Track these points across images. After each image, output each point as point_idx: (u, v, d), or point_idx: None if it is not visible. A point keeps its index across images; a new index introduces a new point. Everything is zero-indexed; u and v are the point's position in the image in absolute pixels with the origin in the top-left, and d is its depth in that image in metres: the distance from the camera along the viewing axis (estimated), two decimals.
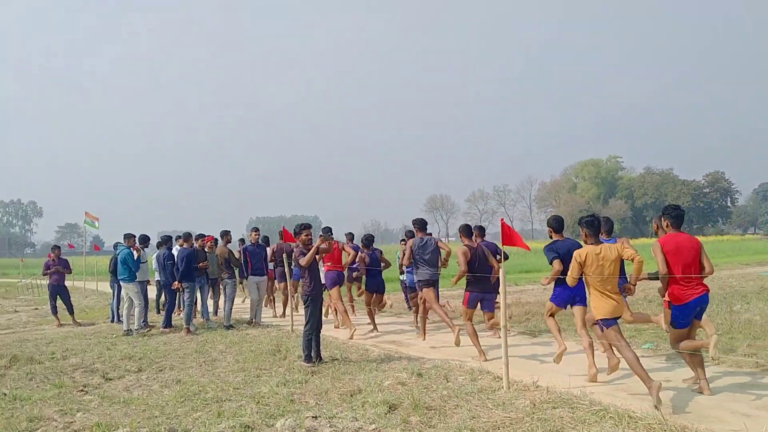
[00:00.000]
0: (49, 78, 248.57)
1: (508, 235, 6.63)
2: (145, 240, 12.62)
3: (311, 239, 8.41)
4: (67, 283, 14.52)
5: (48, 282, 14.15)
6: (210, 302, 13.06)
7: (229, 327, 11.82)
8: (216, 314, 13.40)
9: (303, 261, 8.15)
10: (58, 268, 13.96)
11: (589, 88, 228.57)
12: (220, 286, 13.03)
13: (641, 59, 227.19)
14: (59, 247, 14.72)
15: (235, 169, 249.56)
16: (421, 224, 9.61)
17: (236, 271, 12.96)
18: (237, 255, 13.30)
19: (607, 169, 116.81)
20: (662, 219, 6.41)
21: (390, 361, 8.12)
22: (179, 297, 12.85)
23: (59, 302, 13.89)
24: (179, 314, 13.03)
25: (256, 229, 13.30)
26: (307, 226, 8.55)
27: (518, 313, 12.32)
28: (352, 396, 6.26)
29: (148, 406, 6.22)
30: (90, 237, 33.06)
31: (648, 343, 8.74)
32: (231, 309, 12.29)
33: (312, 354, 8.11)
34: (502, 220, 6.91)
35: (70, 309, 13.85)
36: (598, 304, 6.19)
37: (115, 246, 12.53)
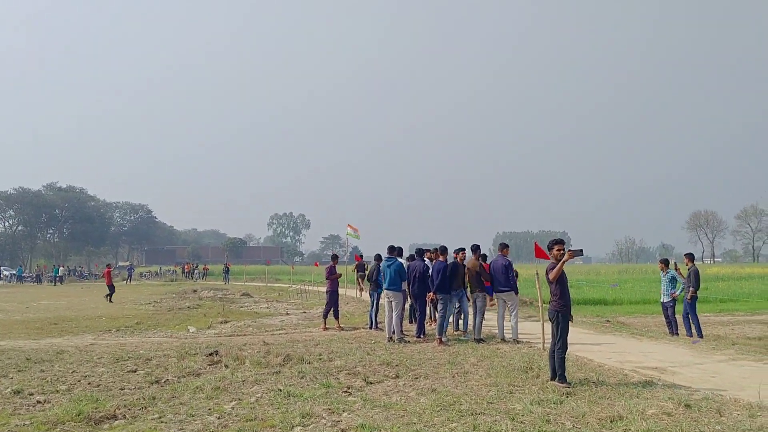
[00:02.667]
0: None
1: None
2: (399, 252, 13.25)
3: (563, 254, 8.20)
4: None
5: (328, 288, 15.32)
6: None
7: (479, 340, 11.92)
8: (458, 328, 13.57)
9: (552, 275, 7.99)
10: (339, 275, 15.24)
11: None
12: (470, 300, 13.17)
13: None
14: (338, 257, 16.10)
15: (483, 183, 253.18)
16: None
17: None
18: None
19: None
20: None
21: (652, 389, 7.57)
22: (431, 308, 13.24)
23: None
24: (431, 325, 13.43)
25: (503, 245, 13.21)
26: (559, 242, 8.35)
27: None
28: (611, 422, 5.93)
29: (407, 412, 6.46)
30: (350, 247, 35.37)
31: None
32: (481, 323, 12.36)
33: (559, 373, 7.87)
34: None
35: (336, 314, 14.98)
36: None
37: (377, 257, 13.32)
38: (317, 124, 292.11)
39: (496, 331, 12.47)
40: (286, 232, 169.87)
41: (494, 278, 12.21)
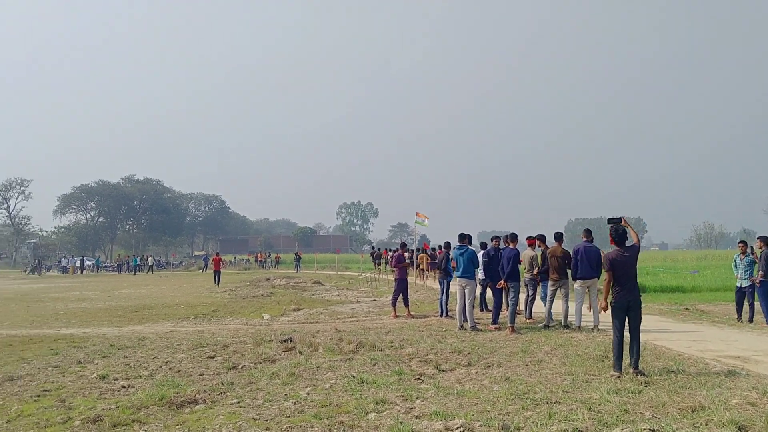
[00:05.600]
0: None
1: None
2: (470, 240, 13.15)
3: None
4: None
5: (396, 276, 15.39)
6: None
7: (547, 327, 11.80)
8: (530, 316, 13.40)
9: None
10: (407, 263, 15.28)
11: None
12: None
13: None
14: (406, 245, 16.14)
15: (555, 170, 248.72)
16: None
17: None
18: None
19: None
20: None
21: (735, 378, 7.30)
22: (504, 296, 13.10)
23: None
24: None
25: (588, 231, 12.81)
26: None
27: None
28: (693, 412, 5.74)
29: (480, 400, 6.44)
30: (419, 235, 35.35)
31: None
32: (567, 309, 12.12)
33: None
34: None
35: (406, 302, 15.01)
36: None
37: (445, 245, 13.26)
38: (383, 113, 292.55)
39: (565, 319, 12.24)
40: (355, 221, 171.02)
41: (580, 265, 11.75)
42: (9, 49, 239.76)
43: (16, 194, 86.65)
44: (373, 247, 56.27)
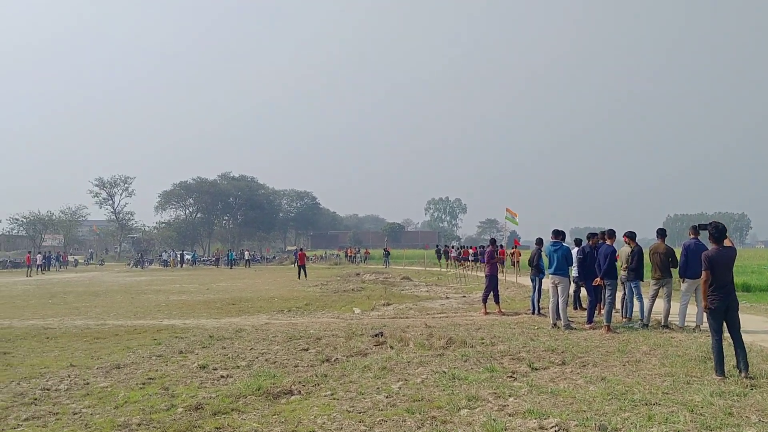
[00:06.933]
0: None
1: None
2: (563, 237, 12.87)
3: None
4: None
5: (486, 272, 15.21)
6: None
7: (645, 326, 11.39)
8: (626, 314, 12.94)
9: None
10: (499, 258, 15.15)
11: None
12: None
13: None
14: (496, 240, 16.01)
15: (652, 164, 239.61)
16: None
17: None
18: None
19: None
20: None
21: None
22: (601, 294, 12.72)
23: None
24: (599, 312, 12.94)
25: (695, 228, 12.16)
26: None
27: None
28: None
29: (575, 399, 6.30)
30: (508, 231, 34.90)
31: None
32: (668, 310, 11.64)
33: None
34: None
35: (497, 298, 14.86)
36: None
37: (538, 241, 13.02)
38: (473, 109, 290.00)
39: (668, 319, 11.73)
40: (443, 216, 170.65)
41: (689, 263, 11.15)
42: (128, 62, 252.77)
43: (121, 191, 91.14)
44: (438, 245, 56.40)
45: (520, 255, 29.12)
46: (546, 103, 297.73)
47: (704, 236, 11.97)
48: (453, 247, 48.20)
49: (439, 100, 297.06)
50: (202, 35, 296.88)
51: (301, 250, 37.63)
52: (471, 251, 39.58)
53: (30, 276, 41.23)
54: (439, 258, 47.58)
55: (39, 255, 50.39)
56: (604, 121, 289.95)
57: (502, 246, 17.38)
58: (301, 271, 33.28)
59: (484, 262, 15.43)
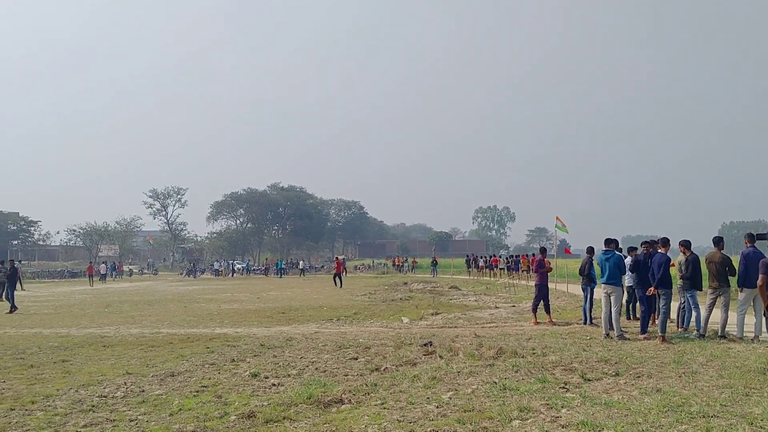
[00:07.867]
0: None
1: None
2: (616, 245, 12.65)
3: None
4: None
5: (537, 282, 15.06)
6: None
7: (701, 336, 11.08)
8: (682, 324, 12.60)
9: None
10: (549, 268, 15.00)
11: None
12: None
13: None
14: (546, 249, 15.90)
15: (703, 170, 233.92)
16: None
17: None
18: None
19: None
20: None
21: None
22: (655, 303, 12.46)
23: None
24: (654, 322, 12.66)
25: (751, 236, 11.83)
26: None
27: None
28: None
29: (630, 411, 6.17)
30: (558, 240, 34.51)
31: None
32: (725, 320, 11.31)
33: None
34: None
35: (547, 308, 14.66)
36: None
37: (589, 250, 12.83)
38: (523, 117, 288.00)
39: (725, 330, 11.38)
40: (491, 225, 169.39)
41: (748, 272, 10.91)
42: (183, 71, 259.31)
43: (174, 202, 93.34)
44: (467, 255, 56.54)
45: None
46: (599, 112, 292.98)
47: (761, 245, 11.66)
48: (482, 257, 48.55)
49: (491, 109, 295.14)
50: (253, 49, 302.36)
51: (337, 258, 38.66)
52: (499, 259, 40.05)
53: (92, 285, 42.50)
54: (469, 267, 47.58)
55: (103, 264, 51.94)
56: (658, 128, 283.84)
57: (537, 253, 17.18)
58: (336, 279, 34.16)
59: (516, 271, 15.29)
